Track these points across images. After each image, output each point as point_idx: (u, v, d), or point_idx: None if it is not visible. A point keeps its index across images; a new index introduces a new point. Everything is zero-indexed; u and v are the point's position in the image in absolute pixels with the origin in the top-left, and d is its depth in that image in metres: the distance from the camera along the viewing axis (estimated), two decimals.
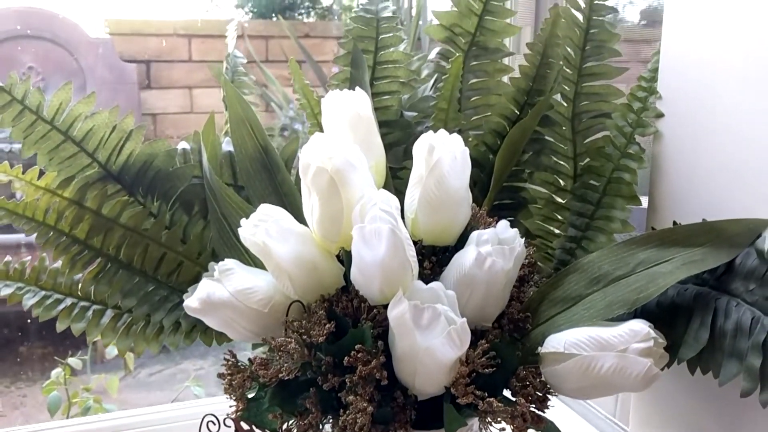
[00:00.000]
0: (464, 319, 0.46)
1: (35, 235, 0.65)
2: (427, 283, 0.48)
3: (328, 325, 0.48)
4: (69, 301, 0.67)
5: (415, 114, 0.71)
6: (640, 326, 0.49)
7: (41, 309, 0.66)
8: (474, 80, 0.71)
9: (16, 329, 1.88)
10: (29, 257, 0.68)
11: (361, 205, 0.48)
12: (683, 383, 0.63)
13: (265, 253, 0.50)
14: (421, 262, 0.51)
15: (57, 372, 1.37)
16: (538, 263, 0.63)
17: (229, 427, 0.59)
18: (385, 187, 0.57)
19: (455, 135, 0.52)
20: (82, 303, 0.68)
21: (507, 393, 0.51)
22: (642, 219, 0.69)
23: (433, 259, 0.53)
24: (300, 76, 0.70)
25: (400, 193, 0.54)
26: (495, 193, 0.68)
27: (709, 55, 0.60)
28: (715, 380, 0.51)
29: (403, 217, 0.51)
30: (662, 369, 0.50)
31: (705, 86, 0.61)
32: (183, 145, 0.69)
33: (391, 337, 0.48)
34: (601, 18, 0.65)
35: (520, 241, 0.51)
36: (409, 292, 0.47)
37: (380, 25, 0.70)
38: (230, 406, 0.52)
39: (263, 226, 0.50)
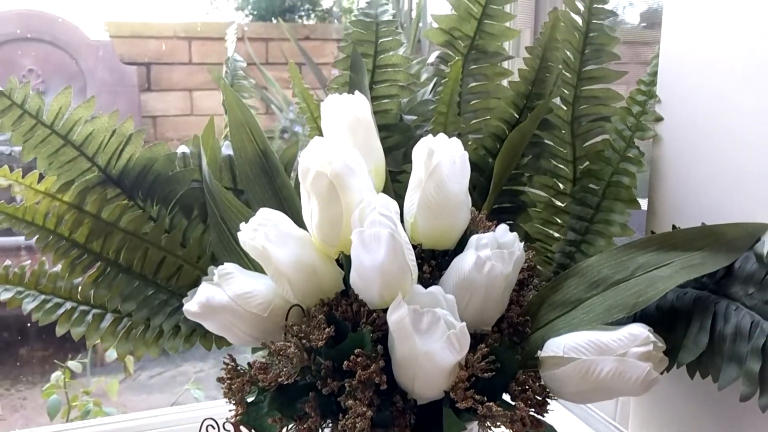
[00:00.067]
0: (463, 324, 0.46)
1: (35, 238, 0.65)
2: (426, 287, 0.48)
3: (327, 330, 0.48)
4: (68, 305, 0.67)
5: (415, 118, 0.71)
6: (639, 330, 0.49)
7: (41, 313, 0.66)
8: (473, 84, 0.71)
9: (16, 332, 1.88)
10: (29, 261, 0.68)
11: (361, 209, 0.48)
12: (683, 387, 0.63)
13: (265, 257, 0.50)
14: (420, 266, 0.51)
15: (57, 375, 1.37)
16: (538, 267, 0.63)
17: (229, 431, 0.59)
18: (385, 190, 0.57)
19: (454, 139, 0.52)
20: (82, 307, 0.67)
21: (506, 397, 0.50)
22: (641, 222, 0.69)
23: (433, 263, 0.53)
24: (299, 80, 0.70)
25: (400, 197, 0.54)
26: (494, 196, 0.68)
27: (708, 58, 0.60)
28: (714, 384, 0.51)
29: (402, 221, 0.51)
30: (661, 373, 0.50)
31: (704, 90, 0.61)
32: (183, 149, 0.69)
33: (390, 342, 0.48)
34: (600, 21, 0.65)
35: (520, 245, 0.51)
36: (408, 296, 0.47)
37: (380, 28, 0.70)
38: (230, 410, 0.52)
39: (263, 230, 0.50)
